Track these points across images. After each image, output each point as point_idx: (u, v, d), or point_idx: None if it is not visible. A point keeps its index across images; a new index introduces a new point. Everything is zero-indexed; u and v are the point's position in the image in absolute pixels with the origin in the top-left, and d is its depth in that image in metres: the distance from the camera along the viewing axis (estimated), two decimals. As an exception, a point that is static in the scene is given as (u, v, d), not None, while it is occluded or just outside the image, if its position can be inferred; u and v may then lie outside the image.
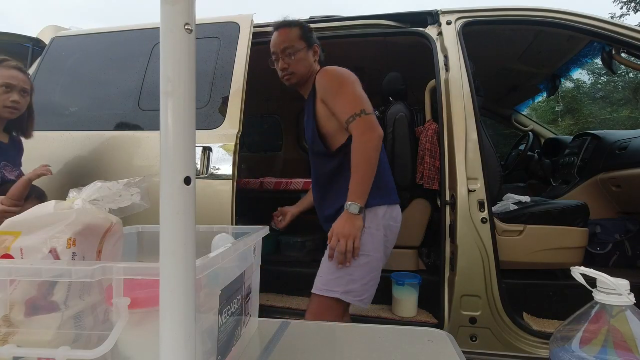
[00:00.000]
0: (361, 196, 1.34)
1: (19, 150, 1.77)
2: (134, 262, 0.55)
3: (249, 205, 2.50)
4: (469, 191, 1.77)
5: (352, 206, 1.34)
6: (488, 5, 2.05)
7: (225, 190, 1.77)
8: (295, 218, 1.79)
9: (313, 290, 1.43)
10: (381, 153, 1.44)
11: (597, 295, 0.56)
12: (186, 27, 0.36)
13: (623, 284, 0.54)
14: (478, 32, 2.10)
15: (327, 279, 1.41)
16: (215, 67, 1.95)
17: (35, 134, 2.04)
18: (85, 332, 0.49)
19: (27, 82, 1.65)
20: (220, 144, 1.82)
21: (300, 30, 1.51)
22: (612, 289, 0.55)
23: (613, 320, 0.55)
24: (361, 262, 1.38)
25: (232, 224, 1.73)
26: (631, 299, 0.54)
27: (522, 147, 2.95)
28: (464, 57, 1.91)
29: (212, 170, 1.81)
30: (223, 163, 1.81)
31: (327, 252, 1.44)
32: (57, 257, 0.52)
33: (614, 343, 0.54)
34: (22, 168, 1.74)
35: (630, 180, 2.23)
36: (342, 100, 1.40)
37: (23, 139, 1.79)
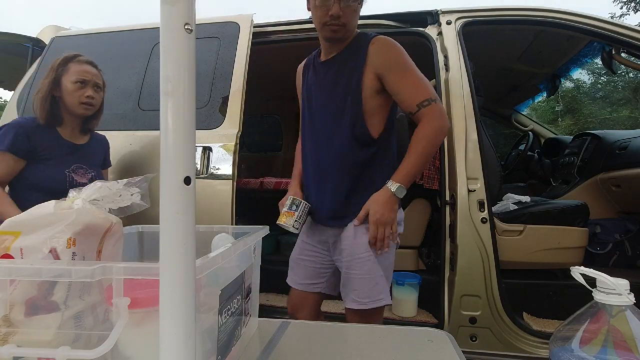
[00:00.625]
0: (410, 181, 1.23)
1: (100, 149, 1.70)
2: (134, 262, 0.55)
3: (249, 205, 2.50)
4: (469, 191, 1.77)
5: (399, 189, 1.20)
6: (488, 5, 2.05)
7: (225, 190, 1.77)
8: None
9: (356, 307, 1.25)
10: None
11: (597, 295, 0.56)
12: (186, 27, 0.36)
13: (623, 284, 0.54)
14: (478, 32, 2.10)
15: (369, 290, 1.24)
16: (215, 67, 1.95)
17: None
18: (85, 332, 0.49)
19: (99, 77, 1.60)
20: (221, 144, 1.82)
21: None
22: (611, 289, 0.55)
23: (613, 320, 0.55)
24: (391, 253, 1.30)
25: (232, 224, 1.73)
26: (631, 299, 0.54)
27: (522, 147, 2.95)
28: (464, 57, 1.91)
29: (212, 170, 1.81)
30: (223, 163, 1.81)
31: (356, 262, 1.26)
32: (57, 257, 0.52)
33: (614, 343, 0.54)
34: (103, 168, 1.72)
35: (630, 180, 2.23)
36: (413, 80, 1.23)
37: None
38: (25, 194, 1.47)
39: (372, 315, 1.25)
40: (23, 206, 1.38)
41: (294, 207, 1.31)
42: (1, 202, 1.39)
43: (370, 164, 1.29)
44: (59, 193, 1.36)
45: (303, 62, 1.47)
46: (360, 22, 2.23)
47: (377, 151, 1.29)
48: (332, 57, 1.32)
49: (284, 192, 2.68)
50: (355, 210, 1.26)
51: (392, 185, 1.21)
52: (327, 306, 2.22)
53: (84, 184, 1.41)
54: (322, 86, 1.33)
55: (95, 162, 1.65)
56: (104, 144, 1.75)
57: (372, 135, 1.28)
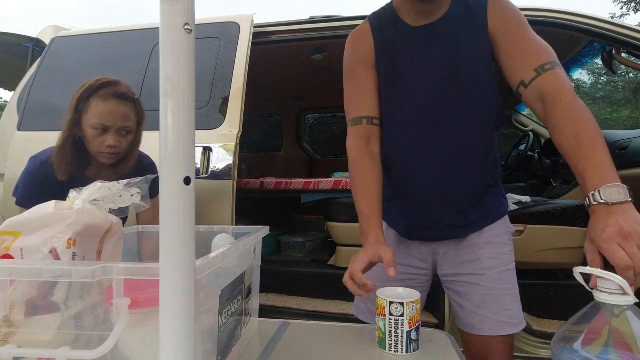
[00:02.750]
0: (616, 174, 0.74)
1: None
2: (134, 262, 0.55)
3: (249, 205, 2.50)
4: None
5: (623, 192, 0.69)
6: (488, 5, 2.04)
7: (226, 190, 1.77)
8: (297, 219, 1.68)
9: (512, 330, 0.98)
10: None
11: (598, 296, 0.57)
12: (186, 27, 0.36)
13: (624, 283, 0.55)
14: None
15: (516, 309, 0.99)
16: (215, 67, 1.95)
17: (36, 134, 2.04)
18: (85, 332, 0.49)
19: (130, 115, 1.27)
20: (221, 144, 1.82)
21: None
22: (612, 289, 0.55)
23: (614, 320, 0.55)
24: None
25: (232, 224, 1.73)
26: (631, 299, 0.55)
27: (522, 147, 2.95)
28: (464, 57, 1.91)
29: (212, 170, 1.81)
30: (223, 163, 1.81)
31: (506, 274, 1.00)
32: (57, 257, 0.52)
33: (615, 343, 0.54)
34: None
35: (630, 180, 2.22)
36: (533, 39, 0.93)
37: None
38: None
39: (512, 344, 1.02)
40: None
41: (396, 310, 0.74)
42: None
43: (492, 154, 1.03)
44: None
45: (363, 29, 1.06)
46: (360, 22, 2.24)
47: (493, 130, 1.02)
48: (436, 19, 0.98)
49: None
50: (490, 209, 1.02)
51: (613, 192, 0.68)
52: (327, 306, 2.22)
53: None
54: (428, 59, 0.98)
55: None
56: (142, 169, 1.42)
57: (492, 109, 1.00)
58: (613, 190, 0.68)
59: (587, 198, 0.70)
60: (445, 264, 1.06)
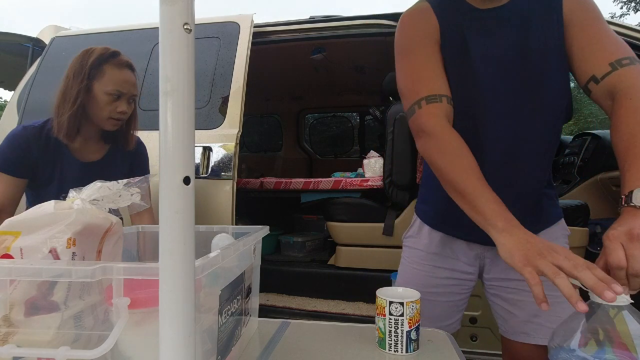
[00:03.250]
0: None
1: (123, 161, 1.37)
2: (134, 262, 0.55)
3: (249, 205, 2.50)
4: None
5: None
6: (488, 5, 2.04)
7: (225, 190, 1.77)
8: (297, 219, 1.67)
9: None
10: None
11: (594, 296, 0.57)
12: (185, 26, 0.36)
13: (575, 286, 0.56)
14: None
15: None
16: (215, 67, 1.95)
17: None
18: (85, 332, 0.49)
19: (136, 85, 1.32)
20: (221, 144, 1.82)
21: None
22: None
23: (610, 320, 0.55)
24: None
25: (232, 224, 1.73)
26: (628, 299, 0.55)
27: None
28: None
29: (212, 170, 1.81)
30: (223, 163, 1.81)
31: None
32: (57, 257, 0.52)
33: (611, 342, 0.54)
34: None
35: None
36: (610, 32, 0.86)
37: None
38: None
39: None
40: None
41: (396, 310, 0.73)
42: None
43: (553, 152, 0.97)
44: None
45: (423, 6, 0.96)
46: (359, 22, 2.25)
47: (560, 133, 0.96)
48: (505, 3, 0.90)
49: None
50: (546, 210, 0.95)
51: None
52: (327, 306, 2.23)
53: None
54: (496, 46, 0.90)
55: (113, 179, 1.39)
56: (133, 152, 1.40)
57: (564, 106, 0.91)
58: None
59: (620, 199, 0.68)
60: (494, 268, 0.98)
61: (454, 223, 0.97)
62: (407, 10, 0.98)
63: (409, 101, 0.90)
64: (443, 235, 1.01)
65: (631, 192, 0.66)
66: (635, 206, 0.65)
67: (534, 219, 0.93)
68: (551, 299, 0.90)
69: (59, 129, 1.22)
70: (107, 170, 1.32)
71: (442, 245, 1.01)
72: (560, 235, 0.98)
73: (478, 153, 0.87)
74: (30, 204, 1.23)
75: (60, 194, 1.17)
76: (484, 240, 0.91)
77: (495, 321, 1.04)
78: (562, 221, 0.99)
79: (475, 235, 0.92)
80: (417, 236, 1.06)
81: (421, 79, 0.90)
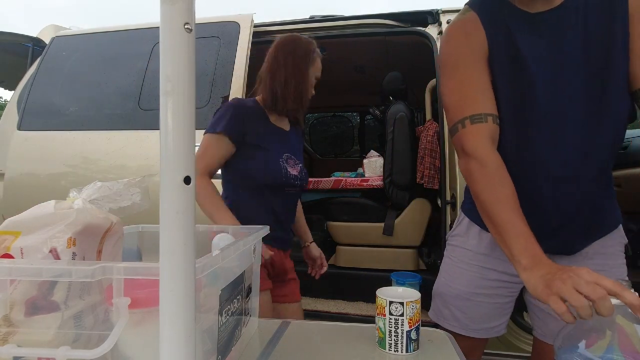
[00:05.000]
0: None
1: (299, 139, 1.47)
2: (134, 262, 0.55)
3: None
4: (470, 191, 1.76)
5: None
6: (488, 5, 2.04)
7: (226, 190, 1.76)
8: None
9: None
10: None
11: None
12: (186, 26, 0.36)
13: (626, 283, 0.55)
14: (478, 31, 2.09)
15: None
16: (215, 66, 1.95)
17: (36, 133, 2.04)
18: (85, 332, 0.49)
19: None
20: (221, 144, 1.82)
21: None
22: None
23: (618, 320, 0.55)
24: None
25: (232, 224, 1.72)
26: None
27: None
28: (464, 56, 1.91)
29: (212, 170, 1.81)
30: (223, 163, 1.80)
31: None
32: (57, 257, 0.52)
33: (619, 342, 0.54)
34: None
35: (630, 180, 2.22)
36: None
37: None
38: (237, 190, 1.28)
39: None
40: (237, 206, 1.21)
41: (396, 310, 0.74)
42: (217, 207, 1.15)
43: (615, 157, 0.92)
44: (276, 187, 1.26)
45: (470, 18, 0.91)
46: (360, 21, 2.25)
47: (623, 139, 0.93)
48: (558, 4, 0.85)
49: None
50: (606, 217, 0.93)
51: None
52: (327, 306, 2.23)
53: (294, 177, 1.29)
54: (555, 52, 0.85)
55: (299, 152, 1.43)
56: (302, 132, 1.52)
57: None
58: None
59: None
60: None
61: None
62: (453, 21, 0.94)
63: (453, 119, 0.88)
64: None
65: None
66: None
67: (595, 226, 0.90)
68: None
69: (272, 102, 1.30)
70: (296, 141, 1.42)
71: (492, 246, 0.97)
72: (617, 242, 0.94)
73: (537, 165, 0.85)
74: (238, 170, 1.28)
75: (271, 156, 1.26)
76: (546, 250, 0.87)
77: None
78: (620, 227, 0.95)
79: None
80: (464, 235, 1.02)
81: (467, 97, 0.87)
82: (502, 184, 0.79)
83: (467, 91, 0.88)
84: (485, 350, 1.83)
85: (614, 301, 0.55)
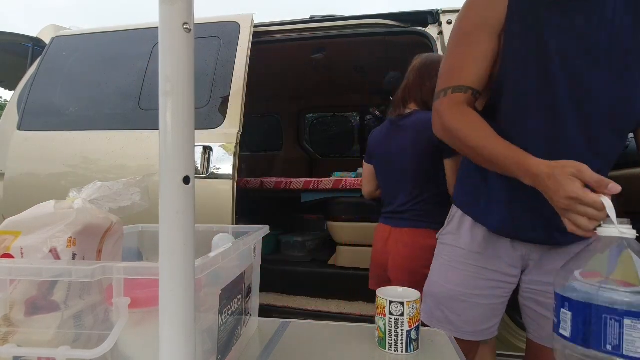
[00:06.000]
0: None
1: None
2: (134, 262, 0.55)
3: (249, 205, 2.50)
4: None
5: None
6: (488, 5, 2.04)
7: (226, 190, 1.77)
8: (297, 218, 1.65)
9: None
10: None
11: (601, 231, 0.60)
12: (185, 26, 0.36)
13: (625, 220, 0.59)
14: (478, 31, 2.09)
15: None
16: (215, 66, 1.95)
17: (36, 133, 2.04)
18: (85, 332, 0.49)
19: None
20: (221, 144, 1.82)
21: None
22: (614, 225, 0.59)
23: (615, 253, 0.58)
24: None
25: (232, 224, 1.73)
26: (633, 233, 0.58)
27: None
28: (464, 56, 1.90)
29: (212, 170, 1.81)
30: (223, 163, 1.81)
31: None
32: (57, 257, 0.52)
33: (615, 274, 0.57)
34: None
35: (630, 180, 2.22)
36: None
37: None
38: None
39: None
40: None
41: (396, 310, 0.73)
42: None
43: None
44: None
45: None
46: (360, 22, 2.25)
47: None
48: None
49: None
50: None
51: None
52: (327, 306, 2.23)
53: None
54: (583, 33, 0.80)
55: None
56: None
57: None
58: None
59: None
60: (537, 270, 0.93)
61: (506, 216, 0.90)
62: None
63: (440, 87, 0.89)
64: (486, 233, 0.94)
65: None
66: None
67: None
68: None
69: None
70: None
71: (486, 244, 0.95)
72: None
73: (536, 148, 0.78)
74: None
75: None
76: (536, 239, 0.90)
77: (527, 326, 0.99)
78: None
79: (529, 234, 0.89)
80: (456, 233, 0.99)
81: (459, 68, 0.87)
82: (472, 119, 0.82)
83: (462, 62, 0.87)
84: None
85: (614, 232, 0.58)
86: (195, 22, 0.37)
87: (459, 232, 0.99)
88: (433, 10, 2.07)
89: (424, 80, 1.47)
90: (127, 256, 0.72)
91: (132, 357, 0.49)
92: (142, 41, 2.10)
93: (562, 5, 0.81)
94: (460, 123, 0.83)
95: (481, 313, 0.95)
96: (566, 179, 0.64)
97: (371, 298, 0.78)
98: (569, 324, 0.58)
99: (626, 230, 0.58)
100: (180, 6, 0.35)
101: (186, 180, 0.37)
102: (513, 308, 1.78)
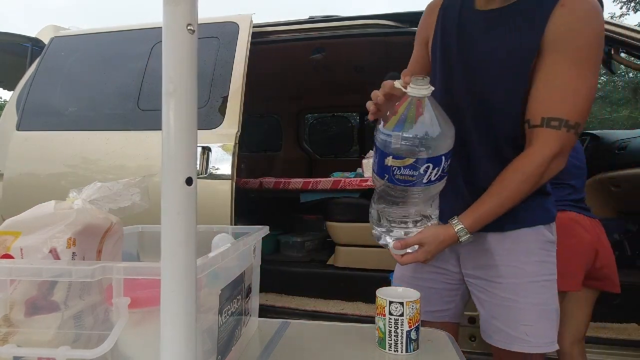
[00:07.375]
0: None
1: None
2: (134, 262, 0.55)
3: (249, 205, 2.50)
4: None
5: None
6: (488, 6, 2.04)
7: (225, 190, 1.77)
8: (296, 219, 1.65)
9: (526, 349, 0.88)
10: None
11: (409, 90, 0.74)
12: (188, 27, 0.36)
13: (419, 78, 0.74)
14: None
15: (540, 327, 0.90)
16: (214, 67, 1.95)
17: (35, 134, 2.04)
18: (85, 332, 0.49)
19: None
20: (220, 144, 1.82)
21: None
22: (421, 86, 0.73)
23: (414, 102, 0.75)
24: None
25: (232, 224, 1.73)
26: (429, 90, 0.74)
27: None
28: (463, 57, 1.91)
29: (211, 170, 1.81)
30: (222, 163, 1.81)
31: (530, 286, 0.90)
32: (57, 257, 0.52)
33: (414, 117, 0.75)
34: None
35: (629, 180, 2.23)
36: (572, 80, 0.84)
37: None
38: None
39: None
40: None
41: (396, 310, 0.74)
42: None
43: None
44: None
45: (436, 3, 1.01)
46: (359, 22, 2.25)
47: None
48: (509, 4, 0.88)
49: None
50: (517, 213, 0.89)
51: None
52: (327, 306, 2.23)
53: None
54: (475, 45, 0.90)
55: None
56: None
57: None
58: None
59: None
60: (469, 263, 0.98)
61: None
62: (429, 2, 1.06)
63: None
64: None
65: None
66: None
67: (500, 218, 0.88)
68: (510, 302, 0.91)
69: None
70: None
71: None
72: (533, 239, 0.92)
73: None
74: None
75: None
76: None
77: None
78: (542, 227, 0.93)
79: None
80: None
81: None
82: None
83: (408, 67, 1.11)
84: (484, 351, 1.83)
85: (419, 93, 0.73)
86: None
87: None
88: (433, 10, 2.08)
89: None
90: (126, 260, 0.72)
91: (132, 357, 0.49)
92: (141, 41, 2.10)
93: (466, 31, 0.95)
94: None
95: (425, 295, 0.90)
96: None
97: (371, 298, 0.78)
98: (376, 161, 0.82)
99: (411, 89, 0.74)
100: (184, 7, 0.35)
101: (189, 181, 0.37)
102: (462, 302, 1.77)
